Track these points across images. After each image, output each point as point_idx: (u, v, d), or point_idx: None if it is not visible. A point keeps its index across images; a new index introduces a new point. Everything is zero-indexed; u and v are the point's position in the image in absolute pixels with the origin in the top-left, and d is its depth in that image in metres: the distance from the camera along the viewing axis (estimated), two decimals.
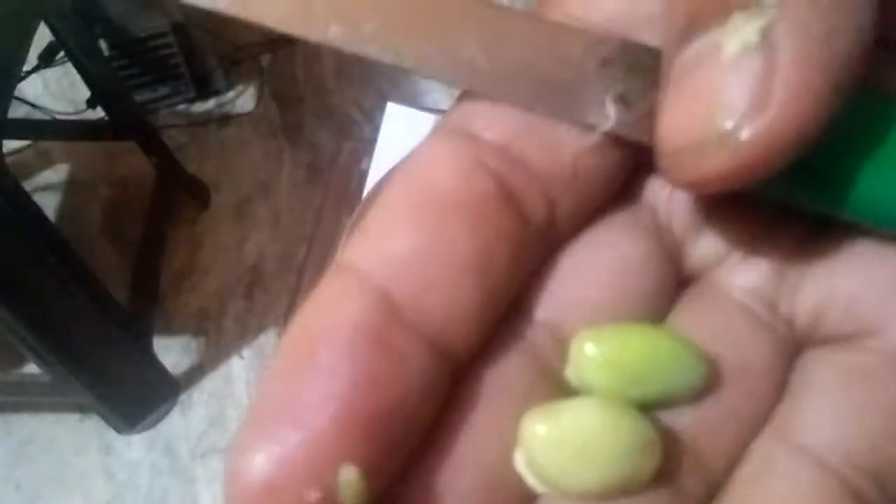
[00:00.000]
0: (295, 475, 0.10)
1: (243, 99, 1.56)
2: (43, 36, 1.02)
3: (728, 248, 0.13)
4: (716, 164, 0.10)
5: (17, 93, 1.01)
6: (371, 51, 0.13)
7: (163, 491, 1.17)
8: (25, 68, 1.04)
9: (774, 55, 0.10)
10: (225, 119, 1.53)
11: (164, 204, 1.34)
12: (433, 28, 0.13)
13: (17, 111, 1.36)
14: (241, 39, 1.61)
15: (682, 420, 0.12)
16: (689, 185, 0.11)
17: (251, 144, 1.50)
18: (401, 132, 0.67)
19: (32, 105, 1.40)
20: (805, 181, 0.12)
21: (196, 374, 1.26)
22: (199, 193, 1.41)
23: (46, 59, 1.25)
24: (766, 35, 0.10)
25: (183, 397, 1.24)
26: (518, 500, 0.12)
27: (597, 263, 0.13)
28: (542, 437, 0.12)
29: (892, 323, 0.12)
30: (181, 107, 1.53)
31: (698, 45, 0.10)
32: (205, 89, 1.52)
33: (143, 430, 1.21)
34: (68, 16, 1.03)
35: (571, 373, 0.13)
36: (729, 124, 0.10)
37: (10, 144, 1.33)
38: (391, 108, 0.70)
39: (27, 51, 0.91)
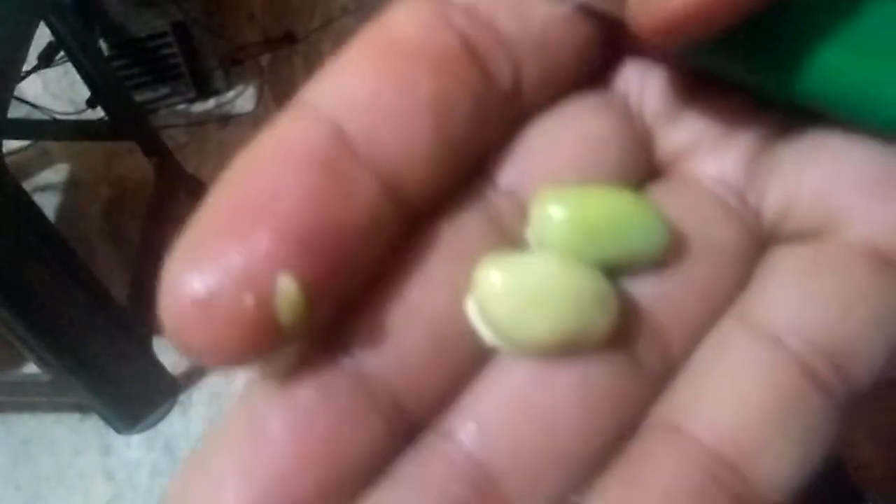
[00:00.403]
0: (231, 284, 0.10)
1: (243, 99, 1.56)
2: (43, 36, 1.02)
3: (699, 137, 0.13)
4: (682, 2, 0.10)
5: (16, 93, 1.01)
6: None
7: (163, 491, 1.17)
8: (25, 68, 1.04)
9: None
10: (225, 119, 1.53)
11: (163, 204, 1.34)
12: None
13: (16, 111, 1.36)
14: (241, 39, 1.61)
15: (644, 291, 0.12)
16: (659, 30, 0.11)
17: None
18: None
19: (32, 105, 1.40)
20: (754, 54, 0.12)
21: (196, 373, 1.26)
22: (198, 193, 1.41)
23: (46, 59, 1.25)
24: None
25: (183, 397, 1.24)
26: (468, 351, 0.12)
27: (564, 136, 0.13)
28: (495, 284, 0.11)
29: (857, 217, 0.12)
30: (181, 107, 1.53)
31: None
32: (205, 89, 1.52)
33: (143, 430, 1.21)
34: (68, 16, 1.03)
35: (531, 233, 0.12)
36: None
37: (10, 144, 1.33)
38: None
39: (27, 51, 0.91)
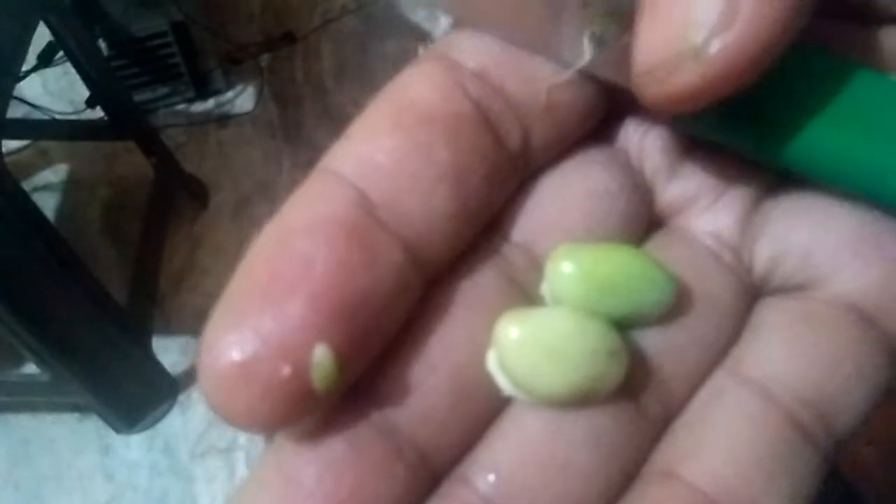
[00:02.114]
0: (268, 353, 0.10)
1: (242, 99, 1.56)
2: (42, 35, 1.02)
3: (696, 193, 0.14)
4: (687, 79, 0.11)
5: (16, 92, 1.01)
6: None
7: (162, 491, 1.17)
8: (24, 68, 1.04)
9: None
10: (224, 119, 1.53)
11: (163, 204, 1.34)
12: None
13: (16, 111, 1.36)
14: (240, 39, 1.61)
15: (650, 342, 0.13)
16: (661, 103, 0.11)
17: (250, 144, 1.50)
18: None
19: (31, 105, 1.40)
20: (747, 126, 0.13)
21: (195, 373, 1.26)
22: (198, 193, 1.41)
23: (45, 59, 1.25)
24: None
25: (182, 397, 1.24)
26: (487, 402, 0.12)
27: (572, 192, 0.13)
28: (513, 338, 0.12)
29: (840, 275, 0.13)
30: (180, 107, 1.53)
31: None
32: (204, 89, 1.52)
33: (142, 429, 1.21)
34: (67, 15, 1.03)
35: (547, 288, 0.13)
36: (698, 39, 0.10)
37: (9, 144, 1.33)
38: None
39: (26, 50, 0.91)
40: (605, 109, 0.14)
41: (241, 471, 1.18)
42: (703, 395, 0.13)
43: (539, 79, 0.13)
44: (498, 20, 0.13)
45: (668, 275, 0.13)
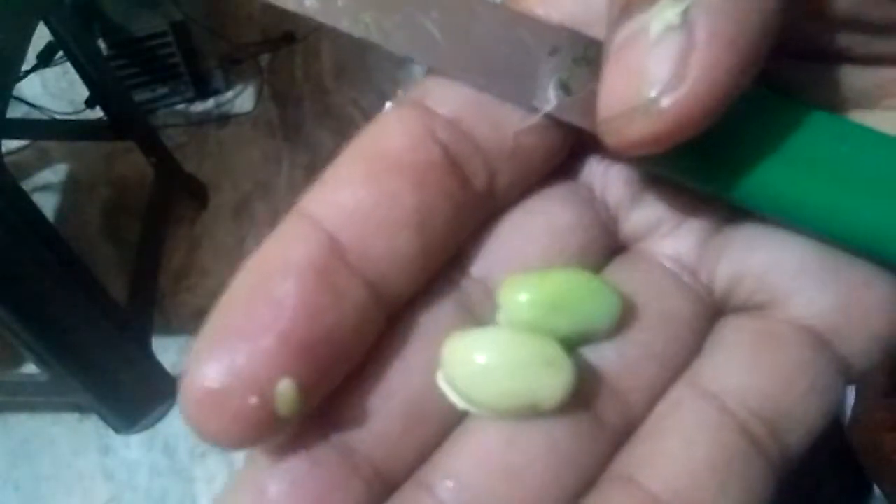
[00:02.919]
0: (240, 383, 0.12)
1: (242, 99, 1.56)
2: (42, 35, 1.02)
3: (658, 221, 0.15)
4: (641, 129, 0.12)
5: (15, 92, 1.01)
6: (344, 24, 0.15)
7: (162, 491, 1.17)
8: (24, 68, 1.04)
9: (692, 35, 0.11)
10: (224, 119, 1.53)
11: (162, 204, 1.34)
12: (400, 7, 0.14)
13: (15, 111, 1.36)
14: (240, 39, 1.61)
15: (607, 357, 0.14)
16: (622, 149, 0.13)
17: (250, 144, 1.50)
18: None
19: (31, 105, 1.40)
20: (700, 167, 0.14)
21: None
22: (197, 193, 1.41)
23: (45, 59, 1.25)
24: (686, 17, 0.11)
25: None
26: (442, 419, 0.13)
27: (532, 227, 0.14)
28: (458, 354, 0.13)
29: (795, 297, 0.14)
30: (180, 106, 1.53)
31: (630, 27, 0.12)
32: (204, 89, 1.52)
33: (142, 429, 1.21)
34: (67, 15, 1.03)
35: (501, 315, 0.14)
36: (652, 95, 0.11)
37: (9, 144, 1.33)
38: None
39: (26, 50, 0.91)
40: (570, 147, 0.15)
41: None
42: (662, 406, 0.13)
43: (507, 124, 0.14)
44: (469, 69, 0.14)
45: (615, 293, 0.14)
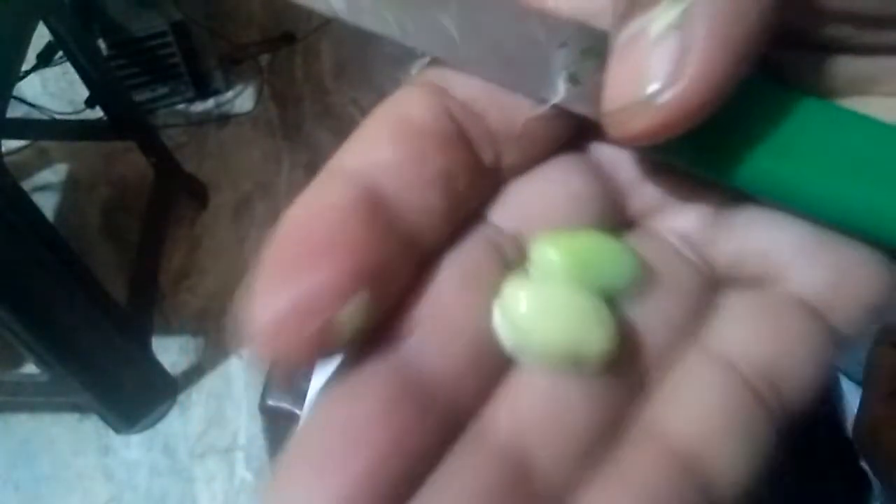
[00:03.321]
0: (306, 305, 0.12)
1: (242, 98, 1.56)
2: (42, 35, 1.02)
3: (665, 200, 0.16)
4: (642, 123, 0.13)
5: (15, 92, 1.01)
6: (366, 21, 0.16)
7: (161, 491, 1.17)
8: (24, 68, 1.04)
9: (689, 35, 0.12)
10: (224, 119, 1.53)
11: (162, 204, 1.34)
12: (420, 5, 0.15)
13: (15, 111, 1.36)
14: (240, 39, 1.61)
15: (626, 317, 0.14)
16: (624, 140, 0.14)
17: (250, 144, 1.50)
18: None
19: (31, 105, 1.40)
20: (702, 154, 0.15)
21: (195, 373, 1.26)
22: (197, 193, 1.41)
23: (45, 59, 1.25)
24: (684, 19, 0.12)
25: (181, 397, 1.24)
26: (494, 363, 0.14)
27: (551, 192, 0.15)
28: (518, 300, 0.14)
29: (794, 273, 0.15)
30: (180, 106, 1.53)
31: (633, 26, 0.13)
32: (204, 89, 1.52)
33: (142, 429, 1.21)
34: (67, 15, 1.03)
35: (533, 269, 0.14)
36: (651, 91, 0.12)
37: (9, 144, 1.33)
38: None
39: (26, 50, 0.91)
40: (577, 130, 0.16)
41: (241, 471, 1.18)
42: (677, 366, 0.14)
43: (517, 112, 0.15)
44: (483, 63, 0.15)
45: (636, 256, 0.15)
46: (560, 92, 0.15)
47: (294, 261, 0.13)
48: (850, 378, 0.55)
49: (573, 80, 0.15)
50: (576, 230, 0.15)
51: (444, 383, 0.13)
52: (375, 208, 0.13)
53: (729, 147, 0.14)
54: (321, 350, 0.12)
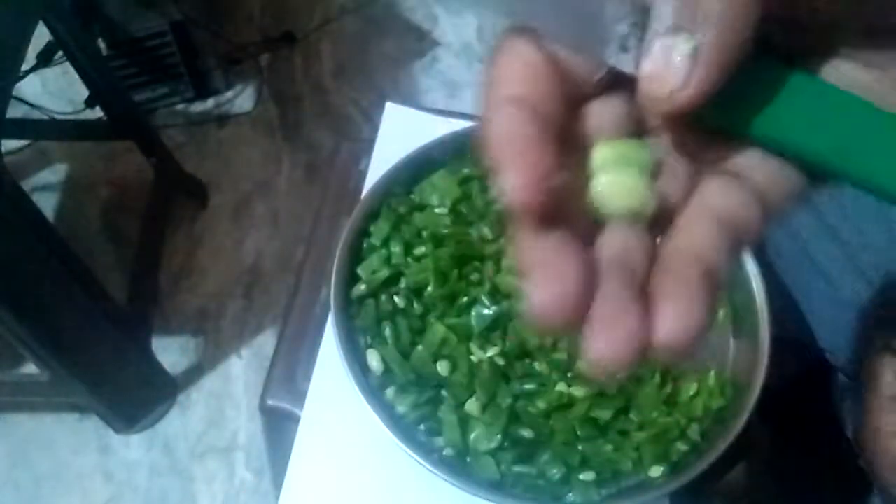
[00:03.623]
0: (532, 182, 0.19)
1: (242, 99, 1.56)
2: (41, 35, 1.02)
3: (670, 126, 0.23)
4: (664, 109, 0.20)
5: (15, 92, 1.01)
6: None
7: (161, 490, 1.17)
8: (24, 68, 1.04)
9: (697, 61, 0.19)
10: (224, 119, 1.53)
11: (162, 204, 1.34)
12: None
13: (15, 111, 1.36)
14: (240, 39, 1.61)
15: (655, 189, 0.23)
16: (654, 116, 0.22)
17: (250, 144, 1.50)
18: (399, 132, 0.67)
19: (31, 105, 1.40)
20: (716, 115, 0.21)
21: (194, 373, 1.26)
22: (197, 193, 1.41)
23: (45, 59, 1.25)
24: (696, 46, 0.19)
25: (181, 397, 1.24)
26: (591, 222, 0.22)
27: (606, 110, 0.22)
28: (605, 153, 0.21)
29: (754, 174, 0.23)
30: (180, 106, 1.53)
31: (664, 41, 0.19)
32: (203, 89, 1.52)
33: (142, 429, 1.21)
34: (67, 15, 1.03)
35: (593, 163, 0.22)
36: (669, 92, 0.19)
37: (9, 144, 1.32)
38: (390, 107, 0.70)
39: (26, 50, 0.91)
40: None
41: (241, 471, 1.18)
42: (682, 212, 0.22)
43: (582, 70, 0.22)
44: (549, 27, 0.21)
45: (654, 152, 0.22)
46: (614, 56, 0.21)
47: (514, 159, 0.19)
48: (851, 378, 0.55)
49: (623, 48, 0.20)
50: (620, 139, 0.22)
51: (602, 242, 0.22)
52: (538, 119, 0.20)
53: (735, 110, 0.21)
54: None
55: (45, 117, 1.40)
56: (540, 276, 0.19)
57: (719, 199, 0.22)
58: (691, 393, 0.54)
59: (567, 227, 0.20)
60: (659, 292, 0.20)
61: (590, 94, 0.22)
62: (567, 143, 0.21)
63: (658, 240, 0.22)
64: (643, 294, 0.20)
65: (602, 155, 0.21)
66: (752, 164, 0.23)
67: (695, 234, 0.22)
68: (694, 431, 0.52)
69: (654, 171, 0.22)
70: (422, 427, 0.52)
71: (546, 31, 0.21)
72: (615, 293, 0.20)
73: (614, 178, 0.21)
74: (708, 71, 0.19)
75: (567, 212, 0.20)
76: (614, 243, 0.21)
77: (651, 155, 0.22)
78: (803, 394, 0.62)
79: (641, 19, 0.20)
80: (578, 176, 0.21)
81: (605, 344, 0.19)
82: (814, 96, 0.21)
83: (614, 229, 0.21)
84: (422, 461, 0.48)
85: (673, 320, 0.20)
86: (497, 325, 0.54)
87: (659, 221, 0.22)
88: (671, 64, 0.19)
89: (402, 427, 0.51)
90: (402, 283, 0.56)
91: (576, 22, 0.20)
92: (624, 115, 0.23)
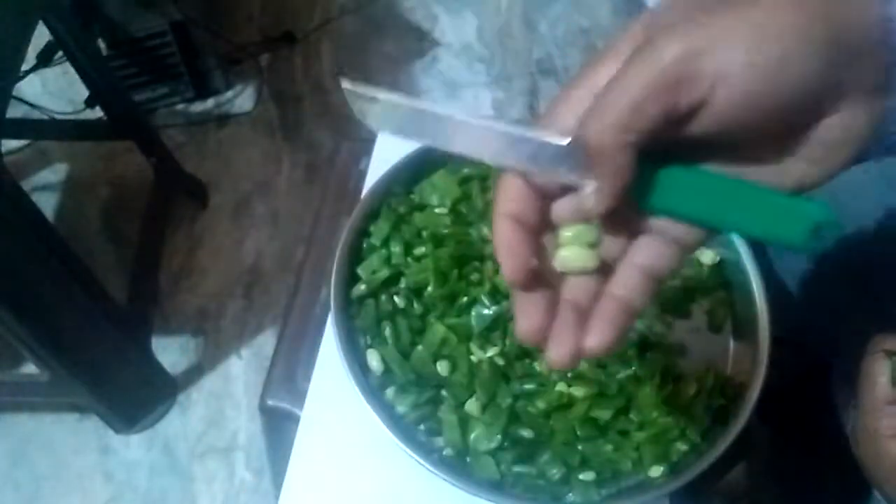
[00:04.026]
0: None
1: (242, 98, 1.56)
2: (41, 35, 1.02)
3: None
4: (591, 215, 0.30)
5: (15, 92, 1.01)
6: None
7: (161, 491, 1.17)
8: (24, 68, 1.04)
9: (598, 194, 0.29)
10: (224, 119, 1.53)
11: (162, 204, 1.34)
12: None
13: (15, 111, 1.36)
14: (240, 39, 1.61)
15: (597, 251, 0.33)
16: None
17: (250, 144, 1.50)
18: None
19: (31, 105, 1.40)
20: (644, 199, 0.30)
21: (194, 373, 1.26)
22: (197, 193, 1.41)
23: (45, 59, 1.25)
24: (598, 187, 0.29)
25: (181, 397, 1.24)
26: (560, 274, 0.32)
27: (566, 205, 0.32)
28: (565, 234, 0.31)
29: (670, 229, 0.31)
30: (180, 106, 1.53)
31: (585, 189, 0.30)
32: (204, 89, 1.52)
33: (142, 429, 1.21)
34: (67, 15, 1.03)
35: (563, 239, 0.32)
36: (590, 208, 0.30)
37: (9, 144, 1.33)
38: None
39: (26, 50, 0.91)
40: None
41: (241, 471, 1.18)
42: (621, 263, 0.33)
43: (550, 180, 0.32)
44: (521, 167, 0.32)
45: (600, 230, 0.33)
46: (565, 177, 0.30)
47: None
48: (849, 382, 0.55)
49: (571, 171, 0.30)
50: (576, 223, 0.32)
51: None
52: (521, 228, 0.31)
53: (647, 196, 0.30)
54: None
55: (45, 117, 1.40)
56: (521, 317, 0.31)
57: (642, 253, 0.31)
58: (691, 393, 0.54)
59: (543, 283, 0.31)
60: (590, 323, 0.31)
61: (557, 194, 0.31)
62: (546, 224, 0.31)
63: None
64: (584, 321, 0.31)
65: (563, 235, 0.32)
66: (668, 224, 0.31)
67: (621, 281, 0.31)
68: (694, 431, 0.52)
69: (597, 242, 0.32)
70: (422, 427, 0.52)
71: (519, 168, 0.30)
72: (565, 322, 0.31)
73: (570, 251, 0.31)
74: (604, 199, 0.29)
75: (547, 270, 0.31)
76: (571, 288, 0.32)
77: (595, 232, 0.31)
78: (803, 394, 0.62)
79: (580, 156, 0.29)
80: (552, 247, 0.32)
81: (554, 353, 0.31)
82: (694, 181, 0.30)
83: (572, 279, 0.32)
84: (422, 461, 0.48)
85: (592, 340, 0.31)
86: (497, 325, 0.54)
87: (604, 270, 0.32)
88: (588, 196, 0.29)
89: (402, 427, 0.51)
90: (402, 283, 0.56)
91: (537, 164, 0.30)
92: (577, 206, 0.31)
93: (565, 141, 0.29)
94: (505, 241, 0.31)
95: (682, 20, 0.26)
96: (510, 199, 0.31)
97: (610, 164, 0.28)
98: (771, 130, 0.27)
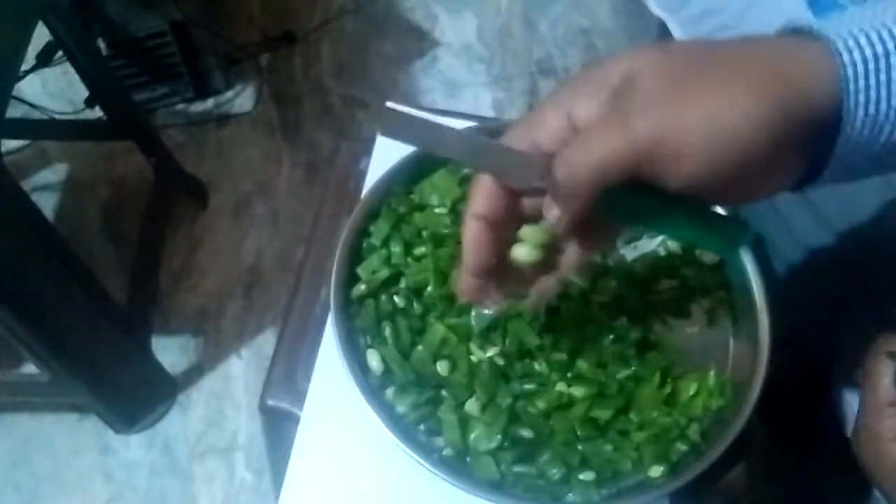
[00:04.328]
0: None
1: (242, 98, 1.56)
2: (41, 35, 1.02)
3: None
4: (555, 232, 0.38)
5: (15, 92, 1.01)
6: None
7: (161, 491, 1.17)
8: (24, 68, 1.04)
9: (561, 218, 0.36)
10: (224, 119, 1.53)
11: (162, 204, 1.34)
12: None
13: (15, 111, 1.36)
14: (240, 39, 1.61)
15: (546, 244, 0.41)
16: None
17: (250, 144, 1.50)
18: None
19: (30, 105, 1.40)
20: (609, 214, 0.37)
21: (194, 373, 1.26)
22: (197, 193, 1.41)
23: (45, 59, 1.25)
24: (560, 214, 0.36)
25: (181, 397, 1.24)
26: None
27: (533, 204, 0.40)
28: (521, 232, 0.39)
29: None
30: (180, 106, 1.53)
31: (552, 210, 0.36)
32: (203, 89, 1.52)
33: (142, 429, 1.21)
34: (67, 15, 1.03)
35: (521, 236, 0.40)
36: (553, 227, 0.37)
37: (9, 144, 1.33)
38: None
39: (25, 50, 0.91)
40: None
41: (241, 471, 1.18)
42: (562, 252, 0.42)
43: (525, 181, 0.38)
44: (493, 170, 0.38)
45: (548, 231, 0.40)
46: (535, 182, 0.36)
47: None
48: (849, 381, 0.55)
49: (541, 179, 0.35)
50: (533, 224, 0.39)
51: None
52: (487, 227, 0.38)
53: (610, 212, 0.36)
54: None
55: (45, 117, 1.40)
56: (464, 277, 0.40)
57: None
58: (691, 393, 0.54)
59: (494, 272, 0.39)
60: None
61: (525, 192, 0.37)
62: (516, 217, 0.38)
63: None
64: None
65: (521, 233, 0.39)
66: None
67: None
68: (694, 431, 0.52)
69: (547, 242, 0.39)
70: (422, 427, 0.52)
71: (492, 171, 0.37)
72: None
73: (521, 249, 0.39)
74: (565, 225, 0.35)
75: (504, 260, 0.39)
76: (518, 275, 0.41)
77: (545, 235, 0.39)
78: (803, 394, 0.62)
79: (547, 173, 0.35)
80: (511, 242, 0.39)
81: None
82: (645, 201, 0.35)
83: (521, 269, 0.40)
84: (422, 461, 0.48)
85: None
86: (497, 325, 0.54)
87: (546, 263, 0.40)
88: (552, 218, 0.36)
89: (402, 427, 0.51)
90: (402, 283, 0.56)
91: (509, 168, 0.36)
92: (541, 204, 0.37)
93: (538, 161, 0.35)
94: (472, 241, 0.38)
95: (653, 105, 0.32)
96: (483, 197, 0.37)
97: (572, 202, 0.34)
98: (722, 185, 0.33)
